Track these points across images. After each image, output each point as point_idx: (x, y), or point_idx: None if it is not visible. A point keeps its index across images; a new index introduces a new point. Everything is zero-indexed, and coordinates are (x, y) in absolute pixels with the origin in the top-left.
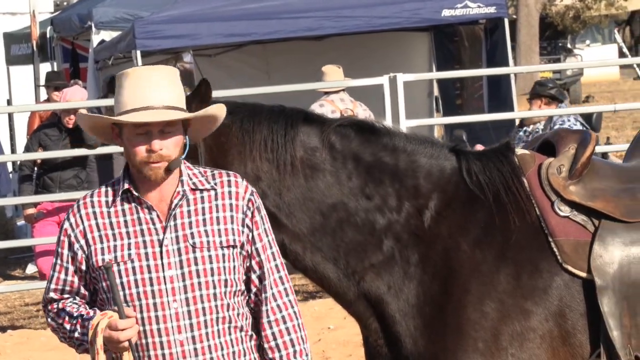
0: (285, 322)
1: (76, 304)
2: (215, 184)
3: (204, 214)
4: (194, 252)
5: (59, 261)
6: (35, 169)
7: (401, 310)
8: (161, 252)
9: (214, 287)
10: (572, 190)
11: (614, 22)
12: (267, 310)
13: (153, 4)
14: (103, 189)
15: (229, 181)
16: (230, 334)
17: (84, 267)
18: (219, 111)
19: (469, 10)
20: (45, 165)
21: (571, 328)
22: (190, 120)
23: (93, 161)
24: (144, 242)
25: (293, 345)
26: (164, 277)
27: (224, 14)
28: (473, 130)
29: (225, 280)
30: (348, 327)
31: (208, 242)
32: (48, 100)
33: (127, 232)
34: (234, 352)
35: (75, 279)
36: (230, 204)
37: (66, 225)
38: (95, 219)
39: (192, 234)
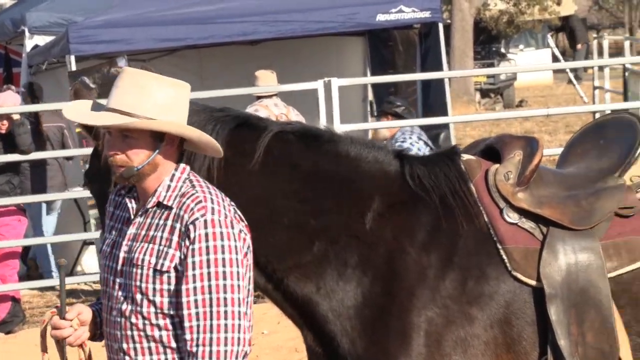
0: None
1: None
2: (175, 203)
3: (155, 230)
4: (130, 266)
5: None
6: None
7: (334, 310)
8: (118, 257)
9: (141, 306)
10: (521, 197)
11: (548, 27)
12: (184, 340)
13: (87, 9)
14: None
15: (184, 203)
16: (165, 353)
17: None
18: (182, 130)
19: (403, 15)
20: None
21: (516, 335)
22: (167, 135)
23: (27, 168)
24: (117, 242)
25: None
26: (115, 282)
27: (158, 19)
28: None
29: (154, 302)
30: (282, 332)
31: (143, 260)
32: None
33: (116, 228)
34: None
35: None
36: (173, 227)
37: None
38: (111, 206)
39: (136, 248)
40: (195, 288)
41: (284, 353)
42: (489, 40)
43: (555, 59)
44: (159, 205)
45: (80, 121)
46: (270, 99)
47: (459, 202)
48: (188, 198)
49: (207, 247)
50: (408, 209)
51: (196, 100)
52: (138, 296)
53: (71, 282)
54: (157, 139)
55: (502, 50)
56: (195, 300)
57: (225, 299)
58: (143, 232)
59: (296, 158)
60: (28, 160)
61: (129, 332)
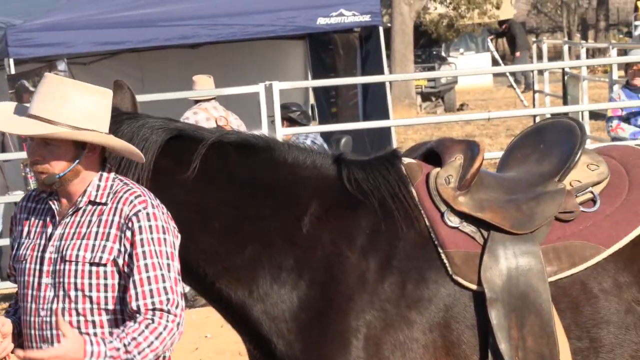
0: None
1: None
2: (111, 198)
3: (88, 227)
4: (63, 264)
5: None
6: None
7: (268, 313)
8: (43, 258)
9: (76, 302)
10: (462, 201)
11: (488, 30)
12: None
13: (26, 12)
14: None
15: (121, 197)
16: None
17: None
18: (104, 140)
19: (344, 18)
20: None
21: (456, 339)
22: (88, 143)
23: None
24: (39, 245)
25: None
26: (41, 283)
27: (98, 22)
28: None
29: (90, 297)
30: (225, 335)
31: (77, 255)
32: None
33: (35, 232)
34: None
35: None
36: (112, 221)
37: (12, 214)
38: (24, 213)
39: (68, 245)
40: (149, 277)
41: (228, 356)
42: (429, 44)
43: (495, 62)
44: (90, 203)
45: (1, 128)
46: (209, 102)
47: (398, 205)
48: (125, 192)
49: (153, 239)
50: (346, 212)
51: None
52: (72, 293)
53: (9, 287)
54: (79, 147)
55: (443, 53)
56: (150, 290)
57: (170, 284)
58: (73, 231)
59: (232, 167)
60: None
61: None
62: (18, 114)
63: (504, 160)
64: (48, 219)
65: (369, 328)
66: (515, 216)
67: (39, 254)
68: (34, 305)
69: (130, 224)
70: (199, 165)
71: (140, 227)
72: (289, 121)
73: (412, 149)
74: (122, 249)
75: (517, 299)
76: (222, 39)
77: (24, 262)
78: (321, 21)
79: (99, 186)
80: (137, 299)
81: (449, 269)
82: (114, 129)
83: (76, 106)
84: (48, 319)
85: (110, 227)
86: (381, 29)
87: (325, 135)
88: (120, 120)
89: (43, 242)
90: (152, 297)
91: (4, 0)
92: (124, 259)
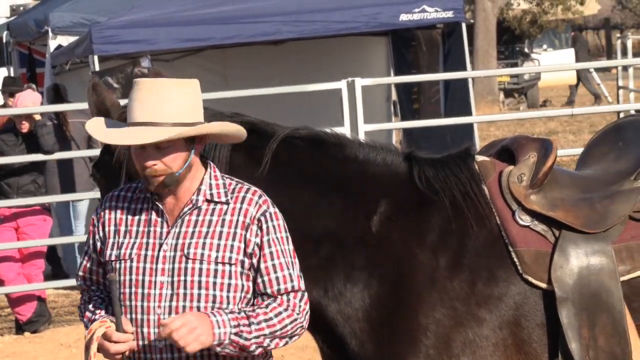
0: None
1: (100, 298)
2: (231, 198)
3: (209, 226)
4: (186, 262)
5: (86, 249)
6: None
7: (343, 312)
8: (157, 257)
9: (199, 301)
10: (533, 199)
11: (571, 26)
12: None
13: (110, 9)
14: (133, 185)
15: (244, 197)
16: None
17: (102, 259)
18: (222, 128)
19: (426, 14)
20: (1, 171)
21: (526, 337)
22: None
23: (54, 166)
24: (147, 243)
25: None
26: (155, 281)
27: (181, 19)
28: (431, 136)
29: (214, 296)
30: (306, 332)
31: (202, 254)
32: (4, 105)
33: (137, 231)
34: None
35: (100, 270)
36: (237, 221)
37: (94, 215)
38: (115, 213)
39: (189, 244)
40: (277, 278)
41: (309, 352)
42: (512, 40)
43: (578, 58)
44: (207, 201)
45: (137, 142)
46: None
47: (469, 203)
48: (247, 192)
49: (278, 238)
50: (416, 210)
51: (218, 101)
52: (195, 291)
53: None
54: (190, 141)
55: (526, 50)
56: (278, 290)
57: (294, 283)
58: (191, 230)
59: (303, 163)
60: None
61: None
62: (116, 126)
63: (582, 158)
64: (154, 218)
65: (439, 326)
66: (587, 215)
67: (151, 252)
68: (146, 304)
69: (258, 224)
70: (271, 161)
71: (267, 227)
72: None
73: (487, 147)
74: (250, 250)
75: (588, 298)
76: (304, 35)
77: (128, 261)
78: (404, 17)
79: (211, 185)
80: (264, 288)
81: (519, 267)
82: None
83: (178, 103)
84: (165, 316)
85: (236, 227)
86: (464, 25)
87: (408, 132)
88: None
89: (154, 240)
90: (277, 284)
91: None
92: (249, 259)
